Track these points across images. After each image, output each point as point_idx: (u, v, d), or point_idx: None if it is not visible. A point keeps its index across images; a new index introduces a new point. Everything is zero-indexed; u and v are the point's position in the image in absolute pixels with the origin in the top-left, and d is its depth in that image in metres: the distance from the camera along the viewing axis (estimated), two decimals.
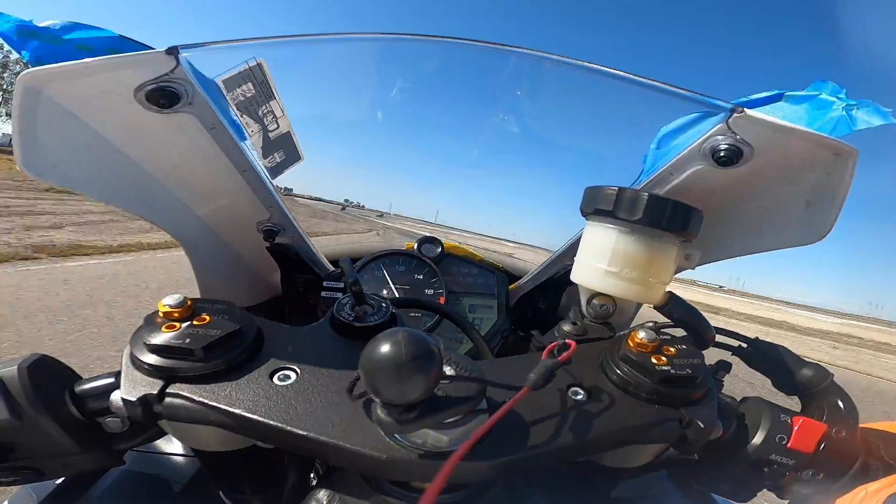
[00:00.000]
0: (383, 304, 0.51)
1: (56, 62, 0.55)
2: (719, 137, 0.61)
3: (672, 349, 0.46)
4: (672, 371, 0.43)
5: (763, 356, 0.59)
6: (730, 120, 0.60)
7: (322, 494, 0.44)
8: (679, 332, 0.55)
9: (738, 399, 0.55)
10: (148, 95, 0.59)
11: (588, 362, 0.47)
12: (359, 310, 0.50)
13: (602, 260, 0.54)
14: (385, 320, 0.49)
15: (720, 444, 0.49)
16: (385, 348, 0.31)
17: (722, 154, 0.61)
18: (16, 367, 0.40)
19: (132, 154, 0.68)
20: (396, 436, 0.35)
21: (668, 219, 0.51)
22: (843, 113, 0.56)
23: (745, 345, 0.60)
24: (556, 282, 0.88)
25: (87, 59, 0.55)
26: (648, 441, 0.42)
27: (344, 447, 0.35)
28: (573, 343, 0.43)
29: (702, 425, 0.41)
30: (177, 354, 0.39)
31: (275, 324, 0.47)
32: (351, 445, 0.35)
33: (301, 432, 0.36)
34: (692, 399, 0.43)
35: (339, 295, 0.89)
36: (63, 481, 0.57)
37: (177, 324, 0.40)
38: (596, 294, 0.57)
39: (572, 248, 0.85)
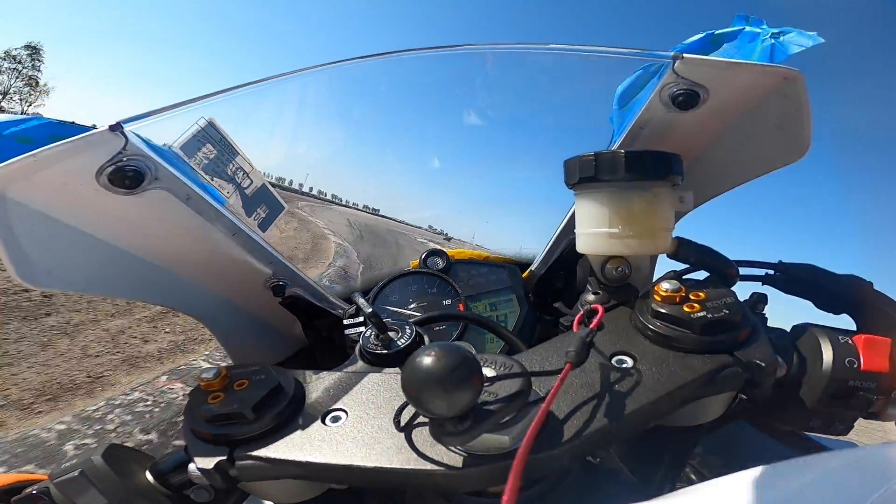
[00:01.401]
0: (406, 327, 0.53)
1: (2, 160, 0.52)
2: (671, 84, 0.64)
3: (701, 293, 0.45)
4: (709, 315, 0.42)
5: (794, 279, 0.57)
6: (675, 67, 0.62)
7: None
8: (702, 276, 0.55)
9: (789, 329, 0.53)
10: (111, 179, 0.57)
11: (622, 328, 0.47)
12: (384, 338, 0.51)
13: (601, 225, 0.55)
14: (413, 340, 0.51)
15: (791, 381, 0.48)
16: (422, 367, 0.32)
17: (680, 98, 0.64)
18: (96, 458, 0.42)
19: (118, 243, 0.66)
20: (460, 448, 0.36)
21: (649, 168, 0.52)
22: (773, 41, 0.59)
23: (771, 271, 0.59)
24: (566, 259, 0.89)
25: (33, 152, 0.52)
26: (711, 392, 0.42)
27: (414, 471, 0.36)
28: (600, 307, 0.43)
29: (762, 363, 0.40)
30: (231, 420, 0.41)
31: (309, 372, 0.48)
32: (420, 467, 0.36)
33: (367, 465, 0.37)
34: (741, 340, 0.42)
35: (363, 329, 0.90)
36: None
37: (220, 394, 0.43)
38: (607, 259, 0.58)
39: (569, 225, 0.86)
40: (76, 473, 0.41)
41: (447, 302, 0.90)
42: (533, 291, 0.93)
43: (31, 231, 0.57)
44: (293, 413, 0.43)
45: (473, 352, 0.35)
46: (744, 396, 0.46)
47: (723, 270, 0.55)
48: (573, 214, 0.85)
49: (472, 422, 0.34)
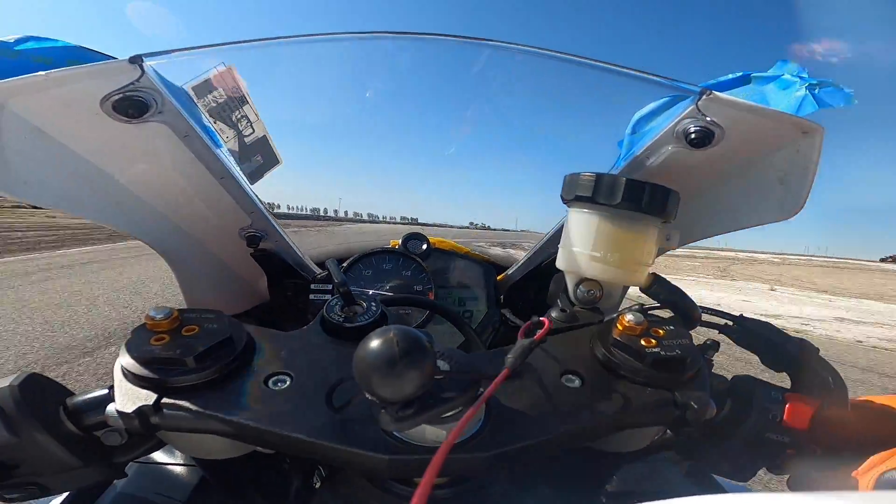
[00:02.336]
0: (373, 304, 0.51)
1: (12, 76, 0.53)
2: (690, 120, 0.63)
3: (660, 330, 0.46)
4: (662, 353, 0.43)
5: (749, 333, 0.59)
6: (699, 102, 0.61)
7: (327, 496, 0.45)
8: (666, 314, 0.56)
9: (729, 378, 0.55)
10: (115, 105, 0.58)
11: (579, 348, 0.48)
12: (348, 310, 0.50)
13: (585, 245, 0.55)
14: (375, 319, 0.49)
15: (715, 424, 0.50)
16: (377, 346, 0.31)
17: (693, 136, 0.63)
18: (7, 385, 0.40)
19: (105, 167, 0.66)
20: (396, 433, 0.36)
21: (646, 201, 0.52)
22: (807, 92, 0.58)
23: (731, 323, 0.61)
24: (543, 270, 0.89)
25: (46, 72, 0.54)
26: (644, 424, 0.43)
27: (343, 449, 0.35)
28: (546, 321, 0.44)
29: (695, 406, 0.42)
30: (168, 366, 0.38)
31: (265, 330, 0.46)
32: (349, 447, 0.35)
33: (299, 436, 0.36)
34: (684, 380, 0.43)
35: (328, 297, 0.89)
36: (68, 496, 0.56)
37: (165, 336, 0.40)
38: (582, 280, 0.58)
39: (557, 236, 0.86)
40: None
41: (418, 287, 0.89)
42: (504, 295, 0.93)
43: (21, 143, 0.57)
44: (237, 369, 0.41)
45: (433, 342, 0.34)
46: (668, 431, 0.47)
47: (687, 313, 0.56)
48: (559, 229, 0.85)
49: (415, 410, 0.33)
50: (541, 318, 0.44)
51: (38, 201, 0.62)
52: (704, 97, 0.61)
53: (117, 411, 0.38)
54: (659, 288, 0.56)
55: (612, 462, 0.55)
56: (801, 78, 0.60)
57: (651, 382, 0.43)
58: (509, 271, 0.95)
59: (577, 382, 0.43)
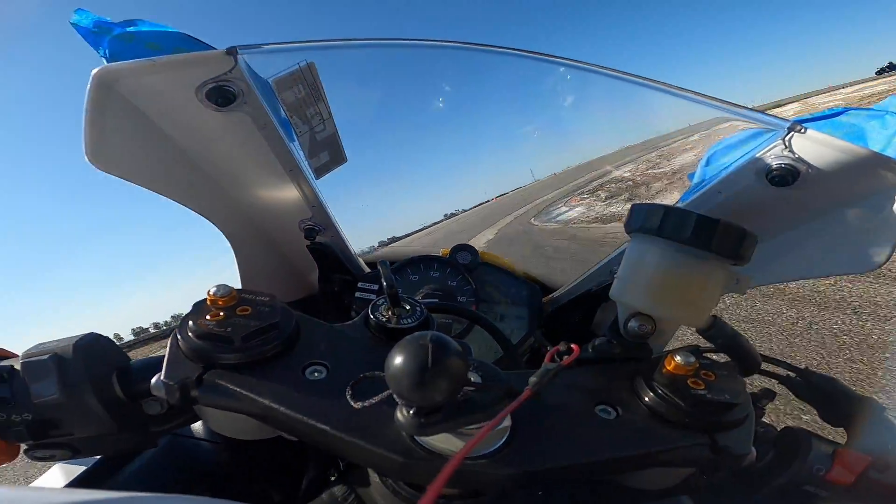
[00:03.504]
0: (418, 308, 0.51)
1: (127, 59, 0.58)
2: (775, 155, 0.59)
3: (711, 374, 0.44)
4: (708, 395, 0.41)
5: (812, 387, 0.56)
6: (788, 138, 0.57)
7: (338, 490, 0.45)
8: (722, 358, 0.53)
9: (780, 427, 0.53)
10: (207, 94, 0.62)
11: (620, 381, 0.46)
12: (394, 312, 0.50)
13: (644, 279, 0.52)
14: (418, 323, 0.49)
15: (752, 472, 0.48)
16: (410, 349, 0.31)
17: (776, 173, 0.59)
18: (71, 344, 0.42)
19: (190, 150, 0.72)
20: (417, 438, 0.35)
21: (717, 241, 0.48)
22: None
23: (793, 374, 0.57)
24: (591, 296, 0.86)
25: (155, 58, 0.58)
26: (675, 465, 0.41)
27: (362, 445, 0.35)
28: (576, 347, 0.42)
29: (735, 452, 0.40)
30: (217, 342, 0.40)
31: (313, 320, 0.47)
32: (368, 444, 0.35)
33: (322, 426, 0.36)
34: (726, 424, 0.41)
35: (373, 296, 0.90)
36: (96, 461, 0.59)
37: (221, 313, 0.42)
38: (635, 313, 0.54)
39: (609, 263, 0.83)
40: (45, 357, 0.41)
41: (462, 298, 0.88)
42: (547, 317, 0.91)
43: (120, 122, 0.62)
44: (279, 354, 0.41)
45: (469, 353, 0.34)
46: (703, 475, 0.45)
47: (746, 360, 0.52)
48: (614, 257, 0.82)
49: (439, 418, 0.33)
50: (571, 345, 0.42)
51: (129, 179, 0.67)
52: (796, 133, 0.56)
53: (162, 381, 0.39)
54: (717, 332, 0.52)
55: (631, 498, 0.52)
56: None
57: (691, 424, 0.41)
58: (556, 294, 0.93)
59: (612, 414, 0.42)
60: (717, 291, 0.51)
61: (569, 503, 0.50)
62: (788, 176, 0.58)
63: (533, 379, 0.38)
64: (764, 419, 0.57)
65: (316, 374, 0.40)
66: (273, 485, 0.57)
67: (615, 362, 0.50)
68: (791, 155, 0.58)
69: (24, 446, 0.44)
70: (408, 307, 0.51)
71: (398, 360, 0.32)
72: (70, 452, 0.44)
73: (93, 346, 0.43)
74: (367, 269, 0.95)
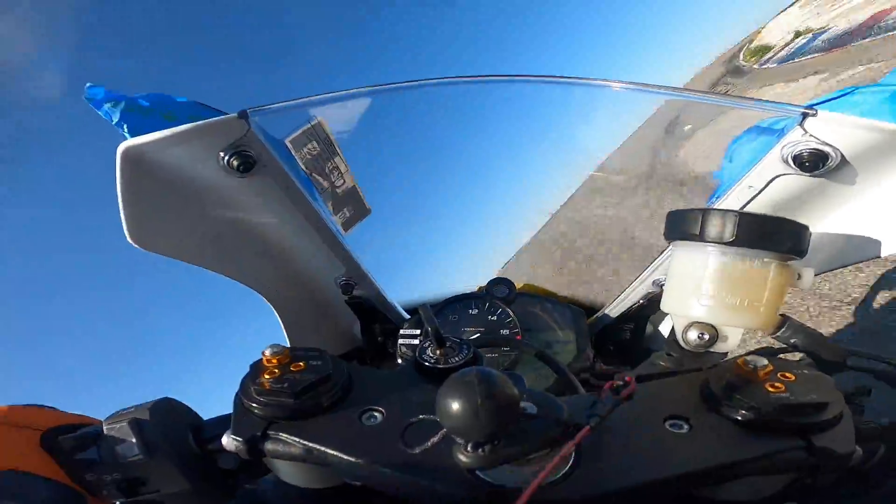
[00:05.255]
0: (465, 346, 0.52)
1: (147, 132, 0.59)
2: (796, 142, 0.58)
3: (790, 375, 0.41)
4: (791, 398, 0.39)
5: None
6: (804, 123, 0.56)
7: None
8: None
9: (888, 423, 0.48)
10: (229, 161, 0.64)
11: (687, 393, 0.44)
12: (441, 352, 0.51)
13: (695, 287, 0.50)
14: (466, 360, 0.50)
15: (865, 471, 0.44)
16: (458, 387, 0.32)
17: (805, 160, 0.57)
18: (147, 408, 0.46)
19: (219, 218, 0.73)
20: (479, 474, 0.36)
21: (764, 236, 0.47)
22: None
23: (889, 366, 0.52)
24: (638, 310, 0.84)
25: (173, 128, 0.59)
26: (772, 472, 0.39)
27: (424, 486, 0.36)
28: (631, 379, 0.41)
29: (836, 452, 0.37)
30: (276, 398, 0.42)
31: (363, 368, 0.49)
32: (430, 484, 0.36)
33: (385, 470, 0.37)
34: (821, 424, 0.39)
35: (416, 342, 0.91)
36: None
37: (276, 370, 0.44)
38: (693, 323, 0.52)
39: (650, 276, 0.81)
40: (125, 422, 0.45)
41: (505, 331, 0.88)
42: (595, 337, 0.88)
43: (153, 198, 0.64)
44: (335, 403, 0.43)
45: (520, 383, 0.34)
46: (808, 480, 0.41)
47: (828, 359, 0.49)
48: (655, 268, 0.80)
49: (496, 452, 0.34)
50: (626, 377, 0.41)
51: (167, 253, 0.69)
52: (809, 118, 0.55)
53: (232, 438, 0.42)
54: (790, 332, 0.49)
55: None
56: None
57: (778, 428, 0.38)
58: (599, 314, 0.91)
59: (684, 428, 0.40)
60: (778, 290, 0.49)
61: None
62: (818, 160, 0.57)
63: (596, 414, 0.37)
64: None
65: (372, 420, 0.42)
66: None
67: (679, 375, 0.49)
68: (814, 139, 0.56)
69: None
70: (454, 346, 0.52)
71: (448, 398, 0.32)
72: None
73: (167, 409, 0.47)
74: (407, 316, 0.96)
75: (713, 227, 0.48)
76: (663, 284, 0.76)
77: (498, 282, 0.94)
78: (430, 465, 0.37)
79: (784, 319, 0.50)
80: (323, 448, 0.39)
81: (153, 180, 0.63)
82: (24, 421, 0.47)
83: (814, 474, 0.39)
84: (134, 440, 0.45)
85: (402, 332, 0.90)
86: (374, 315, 0.95)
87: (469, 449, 0.34)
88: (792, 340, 0.50)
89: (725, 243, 0.47)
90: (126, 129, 0.61)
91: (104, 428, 0.46)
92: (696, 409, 0.42)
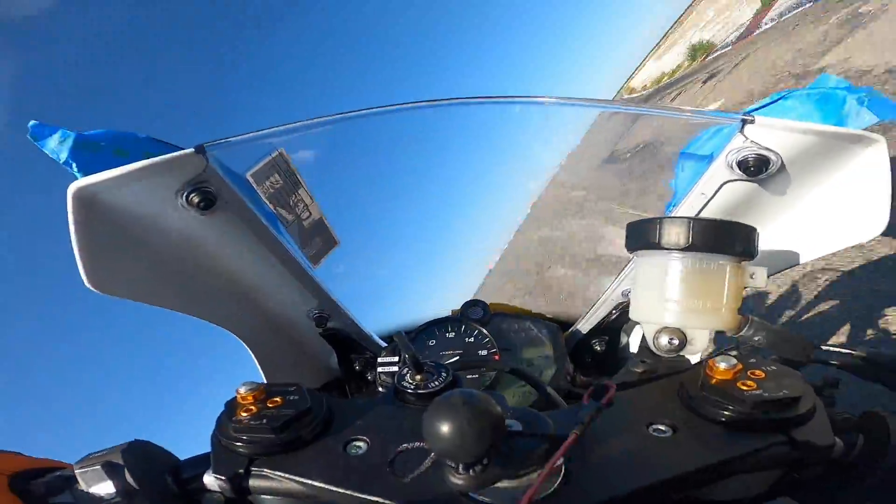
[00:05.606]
0: (443, 371, 0.52)
1: (98, 170, 0.56)
2: (739, 149, 0.61)
3: (760, 372, 0.43)
4: (765, 394, 0.40)
5: (878, 366, 0.53)
6: (744, 130, 0.60)
7: None
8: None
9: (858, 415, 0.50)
10: (188, 199, 0.62)
11: (666, 398, 0.45)
12: (420, 378, 0.51)
13: (660, 293, 0.52)
14: (446, 384, 0.50)
15: (850, 462, 0.45)
16: (443, 411, 0.32)
17: (749, 165, 0.61)
18: (120, 450, 0.44)
19: (182, 258, 0.70)
20: (472, 496, 0.36)
21: (717, 240, 0.49)
22: (857, 105, 0.56)
23: (854, 357, 0.55)
24: (609, 323, 0.86)
25: (126, 167, 0.56)
26: (759, 469, 0.40)
27: None
28: (611, 385, 0.42)
29: (816, 443, 0.39)
30: (256, 434, 0.42)
31: (342, 399, 0.49)
32: None
33: (377, 500, 0.37)
34: (797, 419, 0.40)
35: (395, 369, 0.89)
36: None
37: (253, 407, 0.44)
38: (662, 328, 0.54)
39: (618, 288, 0.83)
40: (98, 466, 0.43)
41: (482, 352, 0.88)
42: (571, 352, 0.90)
43: (108, 239, 0.61)
44: (317, 436, 0.43)
45: (503, 402, 0.35)
46: (795, 475, 0.43)
47: (793, 353, 0.51)
48: (621, 280, 0.83)
49: (485, 469, 0.34)
50: (605, 383, 0.43)
51: (129, 297, 0.66)
52: (748, 125, 0.59)
53: (215, 477, 0.42)
54: (754, 330, 0.51)
55: None
56: (845, 90, 0.58)
57: (756, 426, 0.40)
58: (574, 328, 0.92)
59: (667, 432, 0.41)
60: (735, 290, 0.51)
61: None
62: (761, 165, 0.61)
63: (582, 421, 0.38)
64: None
65: (357, 450, 0.42)
66: None
67: (655, 381, 0.50)
68: (755, 144, 0.60)
69: None
70: (432, 371, 0.52)
71: (434, 422, 0.32)
72: None
73: (141, 450, 0.46)
74: (383, 344, 0.95)
75: (670, 235, 0.50)
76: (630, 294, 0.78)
77: (472, 304, 0.95)
78: (423, 492, 0.37)
79: (746, 319, 0.52)
80: (310, 482, 0.39)
81: (109, 221, 0.60)
82: None
83: (799, 468, 0.41)
84: (111, 483, 0.43)
85: (379, 360, 0.89)
86: (351, 345, 0.93)
87: (460, 471, 0.34)
88: (756, 338, 0.52)
89: (682, 249, 0.50)
90: (76, 168, 0.57)
91: (76, 472, 0.44)
92: (676, 413, 0.43)
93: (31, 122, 0.58)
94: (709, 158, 0.67)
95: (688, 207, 0.71)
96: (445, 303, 1.02)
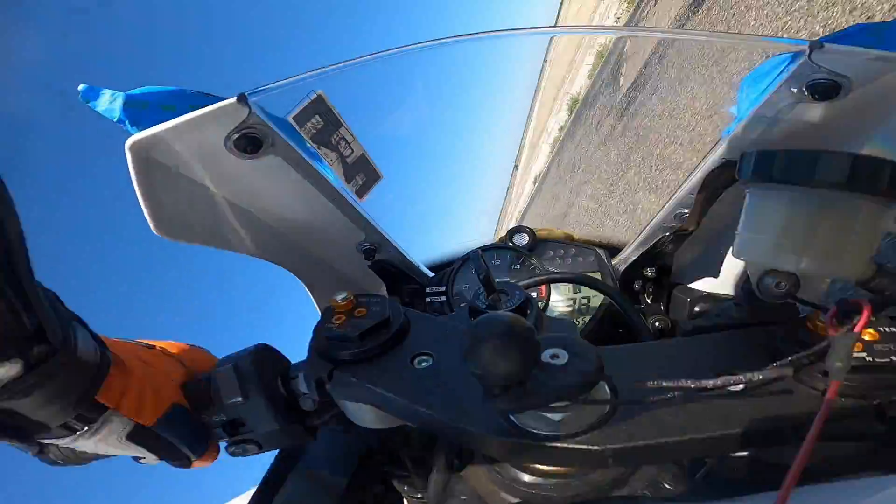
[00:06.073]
0: (516, 291, 0.54)
1: (149, 125, 0.60)
2: (807, 73, 0.59)
3: (874, 332, 0.38)
4: (868, 358, 0.36)
5: None
6: (811, 55, 0.57)
7: (454, 480, 0.48)
8: None
9: None
10: (236, 144, 0.64)
11: (754, 350, 0.43)
12: (493, 297, 0.53)
13: (775, 233, 0.45)
14: (519, 304, 0.52)
15: None
16: (474, 332, 0.34)
17: (817, 88, 0.58)
18: (246, 354, 0.50)
19: (238, 201, 0.74)
20: (512, 419, 0.36)
21: (855, 177, 0.40)
22: None
23: None
24: (661, 248, 0.85)
25: (175, 121, 0.60)
26: (837, 439, 0.37)
27: (461, 428, 0.38)
28: (866, 305, 0.35)
29: None
30: (341, 341, 0.45)
31: (423, 314, 0.51)
32: (466, 426, 0.38)
33: (429, 412, 0.39)
34: None
35: (444, 298, 0.93)
36: (277, 455, 0.66)
37: (343, 315, 0.47)
38: (769, 270, 0.46)
39: (669, 213, 0.81)
40: (228, 367, 0.49)
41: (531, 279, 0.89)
42: (620, 278, 0.90)
43: (169, 188, 0.65)
44: (390, 347, 0.45)
45: (535, 329, 0.34)
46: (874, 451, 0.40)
47: None
48: (679, 200, 0.79)
49: (520, 394, 0.34)
50: (854, 300, 0.36)
51: (194, 241, 0.71)
52: (816, 51, 0.56)
53: (303, 380, 0.47)
54: (885, 280, 0.43)
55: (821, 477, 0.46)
56: None
57: (848, 392, 0.36)
58: (623, 253, 0.92)
59: (739, 385, 0.37)
60: (871, 235, 0.43)
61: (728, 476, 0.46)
62: (830, 89, 0.58)
63: (837, 363, 0.34)
64: None
65: (423, 364, 0.44)
66: (409, 473, 0.62)
67: (751, 328, 0.47)
68: (823, 69, 0.57)
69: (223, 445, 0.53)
70: (507, 291, 0.54)
71: (468, 342, 0.34)
72: (256, 447, 0.52)
73: (263, 354, 0.50)
74: (431, 274, 0.98)
75: (798, 168, 0.42)
76: (686, 217, 0.77)
77: (518, 230, 0.95)
78: (469, 408, 0.38)
79: (878, 267, 0.44)
80: (377, 389, 0.41)
81: (165, 171, 0.64)
82: (191, 363, 0.52)
83: (890, 445, 0.37)
84: (235, 384, 0.48)
85: (427, 289, 0.92)
86: (399, 277, 0.96)
87: (496, 392, 0.35)
88: (887, 292, 0.43)
89: (812, 185, 0.42)
90: (129, 124, 0.61)
91: (214, 373, 0.50)
92: (757, 367, 0.39)
93: (81, 86, 0.61)
94: (773, 84, 0.64)
95: (747, 129, 0.68)
96: (490, 232, 1.03)
